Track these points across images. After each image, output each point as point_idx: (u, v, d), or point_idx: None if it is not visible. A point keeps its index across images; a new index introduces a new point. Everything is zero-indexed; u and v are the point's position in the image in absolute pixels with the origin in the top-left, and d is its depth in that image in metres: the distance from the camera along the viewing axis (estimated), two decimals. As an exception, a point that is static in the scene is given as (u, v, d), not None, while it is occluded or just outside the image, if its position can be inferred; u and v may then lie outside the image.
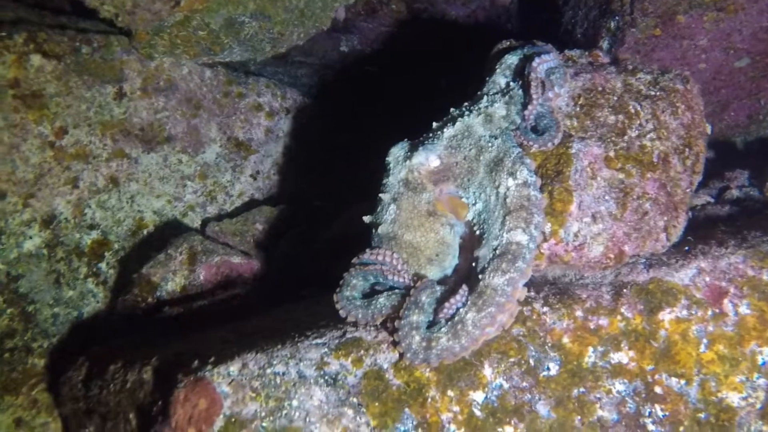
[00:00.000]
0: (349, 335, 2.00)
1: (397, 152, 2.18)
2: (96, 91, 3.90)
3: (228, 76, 4.47)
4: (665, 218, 2.22)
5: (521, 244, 1.92)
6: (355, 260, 2.14)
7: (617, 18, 3.89)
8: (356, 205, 3.94)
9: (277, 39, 4.05)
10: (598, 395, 1.96)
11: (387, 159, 2.19)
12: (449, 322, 1.89)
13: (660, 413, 1.96)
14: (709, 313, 2.01)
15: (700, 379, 1.98)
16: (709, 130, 2.45)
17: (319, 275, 3.68)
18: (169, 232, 4.11)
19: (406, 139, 2.26)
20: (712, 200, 2.87)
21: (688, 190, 2.34)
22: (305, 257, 3.94)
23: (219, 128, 4.43)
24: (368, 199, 2.34)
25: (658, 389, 1.98)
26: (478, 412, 1.92)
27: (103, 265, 4.09)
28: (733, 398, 1.97)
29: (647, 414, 1.96)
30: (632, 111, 2.27)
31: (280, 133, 4.66)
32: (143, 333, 3.16)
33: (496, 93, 2.27)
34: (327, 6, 4.19)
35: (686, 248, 2.20)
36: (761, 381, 1.96)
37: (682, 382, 1.98)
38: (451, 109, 2.30)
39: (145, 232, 4.17)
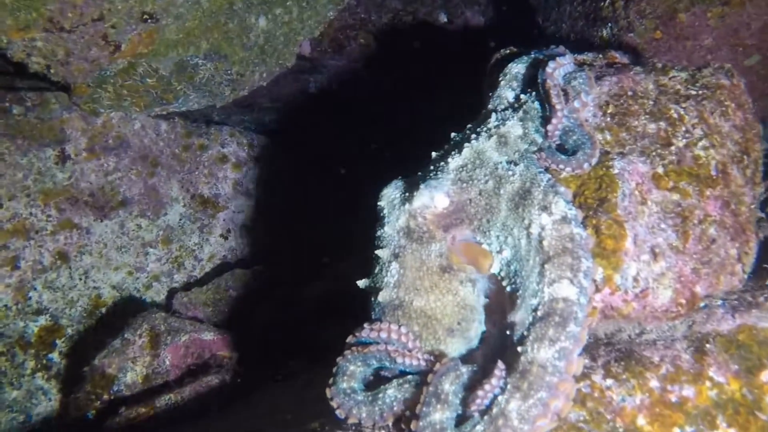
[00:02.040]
0: (351, 445, 1.47)
1: (391, 194, 1.70)
2: (33, 155, 3.40)
3: (187, 127, 4.00)
4: (736, 244, 1.76)
5: (570, 300, 1.43)
6: (350, 339, 1.63)
7: (610, 25, 3.52)
8: (347, 261, 3.46)
9: (237, 81, 3.61)
10: (694, 494, 1.44)
11: (379, 204, 1.71)
12: (486, 417, 1.38)
13: None
14: (824, 364, 1.53)
15: (824, 455, 1.48)
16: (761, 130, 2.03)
17: (306, 342, 3.15)
18: (133, 308, 3.56)
19: (399, 177, 1.79)
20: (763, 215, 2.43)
21: (753, 206, 1.89)
22: (289, 323, 3.40)
23: (181, 186, 3.94)
24: (360, 252, 1.86)
25: (770, 476, 1.47)
26: None
27: (54, 356, 3.50)
28: None
29: None
30: (674, 116, 1.83)
31: (249, 186, 4.17)
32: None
33: (506, 109, 1.82)
34: (290, 41, 3.78)
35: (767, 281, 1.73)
36: None
37: (801, 462, 1.47)
38: (452, 134, 1.84)
39: (104, 311, 3.61)
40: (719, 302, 1.68)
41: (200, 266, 3.99)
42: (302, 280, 3.65)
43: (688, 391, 1.52)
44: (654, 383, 1.53)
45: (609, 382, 1.53)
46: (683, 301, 1.61)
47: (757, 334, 1.58)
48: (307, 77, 5.34)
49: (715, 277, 1.69)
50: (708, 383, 1.52)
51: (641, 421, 1.50)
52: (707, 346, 1.57)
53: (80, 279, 3.53)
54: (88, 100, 3.22)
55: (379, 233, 1.67)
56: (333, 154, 4.73)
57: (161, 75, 3.27)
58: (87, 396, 2.73)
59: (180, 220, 3.93)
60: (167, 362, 2.84)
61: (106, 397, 2.69)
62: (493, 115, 1.79)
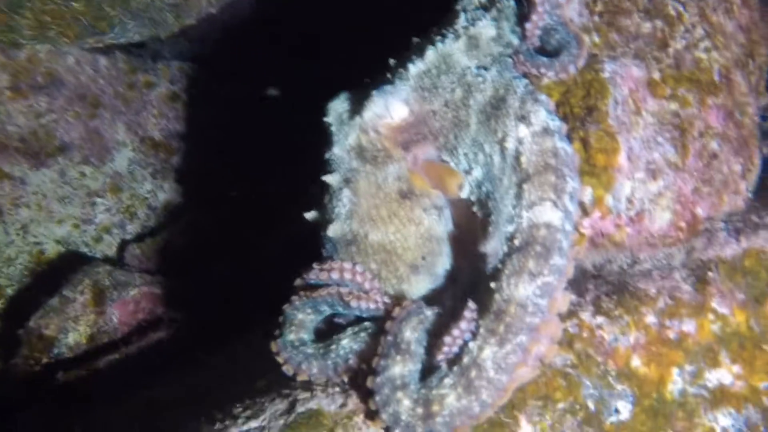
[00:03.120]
0: (300, 407, 1.24)
1: (339, 107, 1.42)
2: (-55, 96, 3.02)
3: (130, 63, 3.61)
4: (740, 159, 1.53)
5: (553, 226, 1.19)
6: (298, 282, 1.38)
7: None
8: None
9: (181, 6, 3.21)
10: (696, 441, 1.26)
11: (325, 120, 1.43)
12: (455, 368, 1.16)
13: (787, 450, 1.28)
14: (841, 290, 1.34)
15: (839, 391, 1.30)
16: (767, 33, 1.77)
17: (268, 292, 2.92)
18: (81, 264, 3.27)
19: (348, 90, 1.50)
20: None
21: (756, 118, 1.66)
22: (250, 273, 3.16)
23: (128, 128, 3.58)
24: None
25: (779, 415, 1.29)
26: (520, 501, 1.20)
27: (-8, 319, 3.23)
28: None
29: (769, 455, 1.27)
30: (672, 13, 1.56)
31: (203, 124, 3.83)
32: (43, 406, 2.35)
33: (476, 8, 1.53)
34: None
35: (776, 199, 1.52)
36: None
37: (813, 398, 1.30)
38: (414, 39, 1.55)
39: (47, 267, 3.32)
40: (721, 225, 1.47)
41: (155, 215, 3.69)
42: (267, 223, 3.38)
43: (689, 326, 1.32)
44: (650, 319, 1.32)
45: (599, 320, 1.32)
46: (683, 225, 1.39)
47: (765, 259, 1.37)
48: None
49: (717, 196, 1.47)
50: (711, 316, 1.32)
51: (636, 362, 1.30)
52: (709, 274, 1.36)
53: (17, 234, 3.21)
54: (4, 29, 2.82)
55: (327, 156, 1.40)
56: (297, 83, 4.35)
57: (90, -2, 2.88)
58: (25, 361, 2.48)
59: (129, 165, 3.59)
60: (114, 320, 2.59)
61: (45, 360, 2.44)
62: (462, 14, 1.49)
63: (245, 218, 3.52)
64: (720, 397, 1.29)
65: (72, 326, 2.51)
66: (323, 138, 1.45)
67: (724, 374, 1.30)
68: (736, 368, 1.30)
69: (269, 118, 3.84)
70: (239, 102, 3.98)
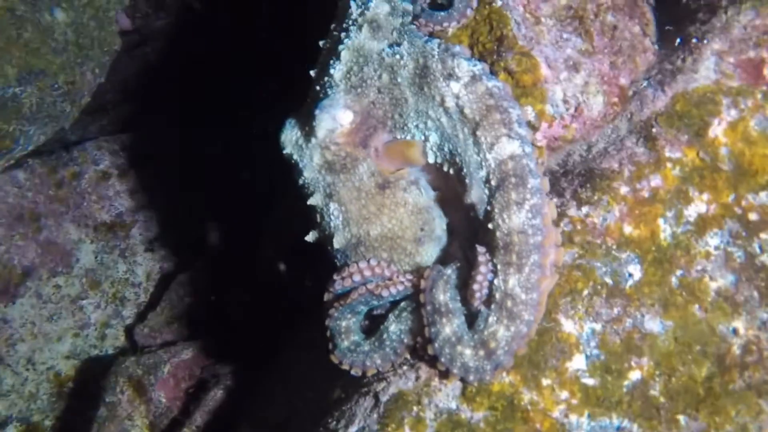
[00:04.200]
0: (384, 397, 1.40)
1: (290, 135, 1.51)
2: None
3: (47, 164, 3.56)
4: (636, 20, 1.69)
5: (516, 154, 1.34)
6: (327, 297, 1.51)
7: None
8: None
9: (72, 91, 3.16)
10: (699, 266, 1.47)
11: (284, 152, 1.53)
12: (493, 306, 1.32)
13: (769, 240, 1.50)
14: (759, 96, 1.53)
15: (789, 174, 1.52)
16: None
17: (287, 307, 3.04)
18: (100, 367, 3.31)
19: (289, 114, 1.59)
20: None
21: (633, -25, 1.81)
22: (261, 297, 3.26)
23: (77, 225, 3.57)
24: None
25: (753, 216, 1.51)
26: (589, 380, 1.40)
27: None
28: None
29: (758, 249, 1.49)
30: None
31: (145, 184, 3.82)
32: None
33: (362, -9, 1.61)
34: (103, 21, 3.29)
35: (678, 40, 1.69)
36: None
37: (772, 190, 1.51)
38: (321, 43, 1.63)
39: (71, 385, 3.35)
40: (645, 84, 1.64)
41: (143, 290, 3.72)
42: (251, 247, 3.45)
43: (656, 181, 1.50)
44: (624, 189, 1.50)
45: (585, 209, 1.50)
46: (615, 99, 1.56)
47: (691, 97, 1.55)
48: (144, 49, 4.80)
49: (631, 61, 1.63)
50: (669, 164, 1.51)
51: (627, 229, 1.49)
52: (653, 130, 1.54)
53: (27, 369, 3.23)
54: None
55: (300, 182, 1.51)
56: (214, 110, 4.34)
57: (-17, 125, 2.81)
58: (104, 472, 2.57)
59: (96, 257, 3.60)
60: (163, 400, 2.69)
61: (123, 463, 2.54)
62: (352, 4, 1.58)
63: (229, 252, 3.59)
64: (702, 224, 1.49)
65: (130, 425, 2.60)
66: (287, 168, 1.55)
67: (698, 205, 1.49)
68: (705, 196, 1.50)
69: (202, 157, 3.85)
70: (166, 151, 3.97)
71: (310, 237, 1.55)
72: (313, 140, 1.44)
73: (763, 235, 1.50)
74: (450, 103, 1.38)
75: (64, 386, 3.32)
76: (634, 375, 1.40)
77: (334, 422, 1.43)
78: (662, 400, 1.36)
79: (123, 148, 3.76)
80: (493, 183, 1.35)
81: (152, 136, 4.00)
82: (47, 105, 3.10)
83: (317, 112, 1.43)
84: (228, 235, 3.73)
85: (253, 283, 3.21)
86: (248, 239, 3.52)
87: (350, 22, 1.54)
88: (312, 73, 1.57)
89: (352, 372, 1.44)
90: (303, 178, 1.48)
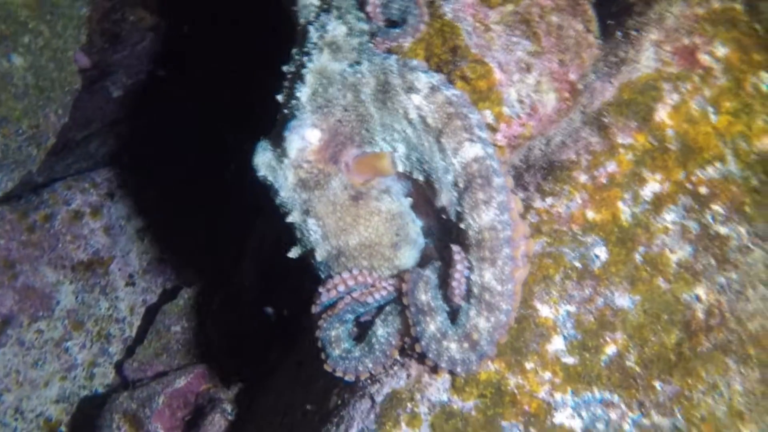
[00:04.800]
0: (378, 398, 1.46)
1: (263, 158, 1.57)
2: None
3: (17, 209, 3.53)
4: (578, 18, 1.80)
5: (479, 156, 1.42)
6: (315, 310, 1.57)
7: None
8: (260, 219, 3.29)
9: (36, 134, 3.16)
10: (659, 241, 1.58)
11: (259, 175, 1.59)
12: (473, 300, 1.40)
13: (720, 210, 1.61)
14: (696, 79, 1.65)
15: (731, 149, 1.64)
16: None
17: (274, 327, 3.08)
18: (92, 407, 3.30)
19: (260, 138, 1.65)
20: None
21: (571, -24, 1.92)
22: (245, 320, 3.29)
23: (53, 267, 3.54)
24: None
25: (703, 189, 1.62)
26: (569, 359, 1.49)
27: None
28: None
29: (711, 220, 1.61)
30: (466, -68, 1.77)
31: (122, 221, 3.82)
32: None
33: (318, 14, 1.69)
34: (61, 62, 3.31)
35: (618, 33, 1.80)
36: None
37: (718, 164, 1.63)
38: (283, 68, 1.70)
39: (64, 429, 3.33)
40: (593, 77, 1.75)
41: (127, 325, 3.71)
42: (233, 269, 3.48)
43: (611, 167, 1.61)
44: (582, 178, 1.60)
45: (549, 200, 1.59)
46: (567, 95, 1.66)
47: (636, 85, 1.67)
48: (103, 84, 4.81)
49: (578, 57, 1.74)
50: (621, 150, 1.62)
51: (590, 214, 1.59)
52: (604, 119, 1.65)
53: (16, 419, 3.20)
54: None
55: (278, 201, 1.57)
56: (183, 136, 4.36)
57: (-50, 177, 2.81)
58: None
59: (76, 297, 3.58)
60: (161, 431, 2.70)
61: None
62: (310, 28, 1.66)
63: (210, 276, 3.61)
64: (658, 202, 1.60)
65: (129, 461, 2.61)
66: (264, 189, 1.61)
67: (652, 185, 1.60)
68: (658, 176, 1.61)
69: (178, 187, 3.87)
70: (137, 183, 3.97)
71: (293, 253, 1.61)
72: (286, 161, 1.51)
73: (714, 206, 1.62)
74: (413, 114, 1.47)
75: (57, 430, 3.29)
76: (610, 349, 1.49)
77: (334, 428, 1.48)
78: (638, 369, 1.46)
79: (93, 186, 3.76)
80: (460, 185, 1.43)
81: (121, 170, 4.01)
82: (12, 151, 3.11)
83: (286, 133, 1.50)
84: (208, 259, 3.75)
85: (237, 301, 3.25)
86: (229, 261, 3.56)
87: (311, 46, 1.61)
88: (279, 97, 1.64)
89: (346, 378, 1.50)
90: (280, 197, 1.54)
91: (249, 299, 3.29)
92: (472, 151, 1.42)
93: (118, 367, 3.44)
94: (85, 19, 3.38)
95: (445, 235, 1.54)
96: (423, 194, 1.55)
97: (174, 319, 3.44)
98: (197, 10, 4.38)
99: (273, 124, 1.62)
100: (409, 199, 1.58)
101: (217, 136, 3.78)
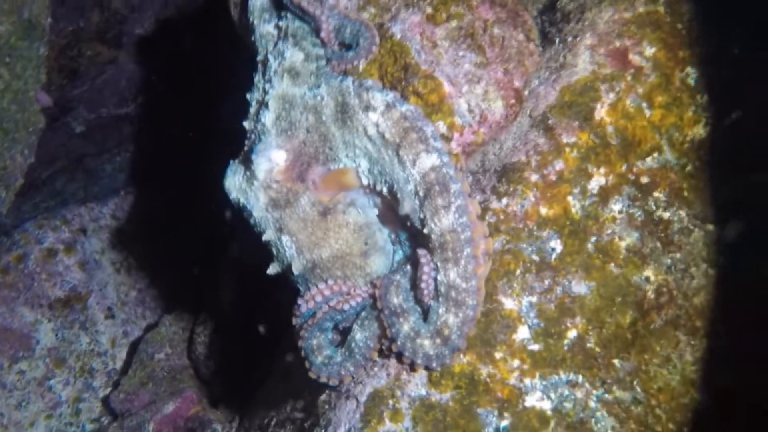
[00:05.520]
0: (362, 398, 1.55)
1: (233, 181, 1.66)
2: None
3: (-12, 253, 3.54)
4: (519, 29, 1.94)
5: (436, 165, 1.53)
6: (295, 321, 1.66)
7: None
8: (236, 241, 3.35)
9: (4, 176, 3.19)
10: (608, 230, 1.71)
11: (231, 197, 1.67)
12: (441, 299, 1.50)
13: (662, 196, 1.75)
14: (629, 78, 1.80)
15: (666, 139, 1.79)
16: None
17: (257, 342, 3.13)
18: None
19: (230, 161, 1.74)
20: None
21: (509, -10, 2.06)
22: (227, 340, 3.35)
23: (30, 307, 3.55)
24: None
25: (644, 179, 1.76)
26: (535, 346, 1.60)
27: None
28: (700, 131, 1.81)
29: (654, 206, 1.75)
30: (409, -44, 1.90)
31: (96, 255, 3.84)
32: None
33: (275, 43, 1.79)
34: (23, 103, 3.34)
35: (557, 40, 1.95)
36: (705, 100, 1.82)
37: (656, 155, 1.78)
38: (247, 96, 1.79)
39: (54, 466, 3.32)
40: (536, 82, 1.88)
41: (110, 357, 3.73)
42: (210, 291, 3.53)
43: (559, 165, 1.74)
44: (534, 177, 1.73)
45: (504, 200, 1.71)
46: (513, 101, 1.79)
47: (575, 88, 1.80)
48: (64, 120, 4.83)
49: (521, 66, 1.87)
50: (567, 149, 1.75)
51: (543, 210, 1.71)
52: (549, 121, 1.78)
53: (5, 460, 3.18)
54: None
55: (252, 222, 1.65)
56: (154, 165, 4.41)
57: None
58: None
59: (56, 335, 3.59)
60: (153, 457, 2.73)
61: None
62: (270, 56, 1.76)
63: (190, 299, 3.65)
64: (605, 194, 1.73)
65: (124, 489, 2.63)
66: (237, 211, 1.69)
67: (598, 179, 1.73)
68: (602, 170, 1.74)
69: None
70: (110, 216, 4.00)
71: (271, 270, 1.70)
72: (256, 182, 1.60)
73: (655, 194, 1.76)
74: (372, 131, 1.57)
75: (48, 471, 3.29)
76: (571, 334, 1.61)
77: (323, 430, 1.57)
78: (598, 350, 1.58)
79: (64, 222, 3.77)
80: (421, 193, 1.54)
81: (91, 204, 4.03)
82: (-19, 194, 3.12)
83: (254, 156, 1.59)
84: (187, 284, 3.80)
85: (219, 322, 3.30)
86: (207, 283, 3.61)
87: (272, 73, 1.71)
88: (245, 124, 1.73)
89: (330, 383, 1.59)
90: (253, 218, 1.63)
91: (230, 319, 3.35)
92: (428, 161, 1.53)
93: (105, 400, 3.46)
94: (44, 59, 3.41)
95: (411, 240, 1.65)
96: (389, 204, 1.65)
97: (157, 347, 3.47)
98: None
99: (240, 149, 1.71)
100: (375, 210, 1.68)
101: (188, 163, 3.84)
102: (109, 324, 3.76)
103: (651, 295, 1.64)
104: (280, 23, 1.80)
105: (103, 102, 4.91)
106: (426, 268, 1.51)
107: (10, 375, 3.35)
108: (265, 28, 1.84)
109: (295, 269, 1.62)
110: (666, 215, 1.72)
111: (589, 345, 1.59)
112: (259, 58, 1.80)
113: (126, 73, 4.91)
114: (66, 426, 3.48)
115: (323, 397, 1.70)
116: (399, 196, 1.57)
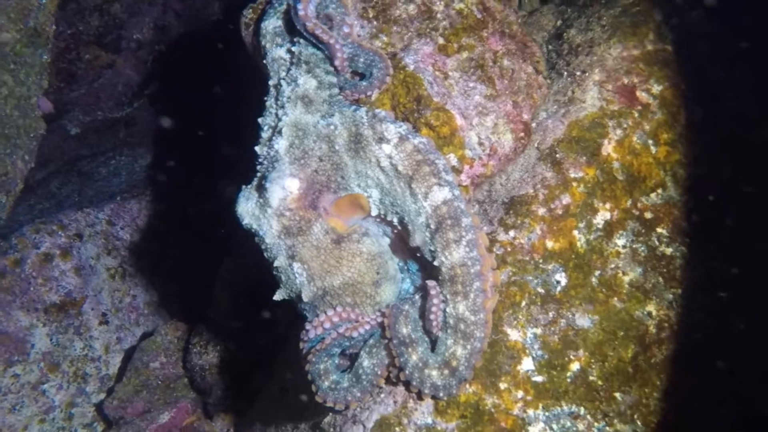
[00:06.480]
0: (369, 423, 1.58)
1: (246, 208, 1.68)
2: None
3: (-14, 255, 3.51)
4: (528, 61, 1.97)
5: (448, 199, 1.56)
6: (303, 346, 1.68)
7: None
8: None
9: (5, 181, 3.17)
10: (612, 265, 1.75)
11: (244, 223, 1.69)
12: (449, 330, 1.53)
13: (665, 232, 1.79)
14: (636, 114, 1.84)
15: (671, 176, 1.83)
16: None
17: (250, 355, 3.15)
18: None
19: (242, 187, 1.76)
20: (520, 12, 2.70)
21: (519, 20, 2.10)
22: (222, 349, 3.35)
23: (26, 311, 3.53)
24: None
25: (648, 214, 1.80)
26: (538, 377, 1.63)
27: None
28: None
29: (657, 242, 1.79)
30: (422, -13, 1.93)
31: (92, 261, 3.83)
32: None
33: (288, 69, 1.81)
34: (26, 109, 3.32)
35: (565, 73, 1.98)
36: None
37: (660, 191, 1.82)
38: (259, 120, 1.81)
39: (46, 473, 3.31)
40: (544, 115, 1.92)
41: (104, 363, 3.72)
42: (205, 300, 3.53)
43: (566, 199, 1.77)
44: (541, 211, 1.76)
45: (512, 233, 1.74)
46: (522, 134, 1.82)
47: (583, 123, 1.84)
48: (60, 122, 4.82)
49: (530, 98, 1.90)
50: (574, 183, 1.78)
51: (549, 243, 1.74)
52: (557, 155, 1.82)
53: (-3, 465, 3.17)
54: None
55: (263, 247, 1.67)
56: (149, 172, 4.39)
57: None
58: None
59: (51, 339, 3.57)
60: (149, 467, 2.74)
61: None
62: (283, 82, 1.77)
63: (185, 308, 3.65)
64: (609, 229, 1.77)
65: (119, 499, 2.63)
66: (248, 235, 1.71)
67: (603, 214, 1.77)
68: (608, 205, 1.78)
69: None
70: (106, 222, 3.99)
71: (278, 296, 1.71)
72: (269, 210, 1.62)
73: (659, 230, 1.80)
74: (385, 162, 1.60)
75: (40, 477, 3.27)
76: (574, 366, 1.64)
77: (329, 457, 1.59)
78: (600, 383, 1.62)
79: (61, 227, 3.76)
80: (432, 226, 1.56)
81: (88, 209, 4.01)
82: (-19, 198, 3.10)
83: (268, 185, 1.61)
84: (183, 293, 3.80)
85: (215, 333, 3.30)
86: (203, 294, 3.61)
87: (285, 99, 1.73)
88: (257, 149, 1.75)
89: (337, 408, 1.61)
90: (265, 244, 1.65)
91: (226, 330, 3.36)
92: (440, 194, 1.56)
93: (99, 406, 3.45)
94: (47, 65, 3.40)
95: (421, 270, 1.68)
96: (399, 235, 1.68)
97: (152, 355, 3.46)
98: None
99: (250, 173, 1.73)
100: (387, 239, 1.71)
101: (186, 174, 3.84)
102: (103, 330, 3.75)
103: (653, 329, 1.68)
104: (293, 48, 1.81)
105: (99, 105, 4.90)
106: (435, 300, 1.54)
107: (5, 379, 3.33)
108: (278, 52, 1.85)
109: (305, 296, 1.64)
110: (668, 251, 1.77)
111: (591, 378, 1.63)
112: (272, 82, 1.81)
113: (123, 77, 4.91)
114: (58, 430, 3.47)
115: (328, 419, 1.72)
116: (410, 227, 1.60)
